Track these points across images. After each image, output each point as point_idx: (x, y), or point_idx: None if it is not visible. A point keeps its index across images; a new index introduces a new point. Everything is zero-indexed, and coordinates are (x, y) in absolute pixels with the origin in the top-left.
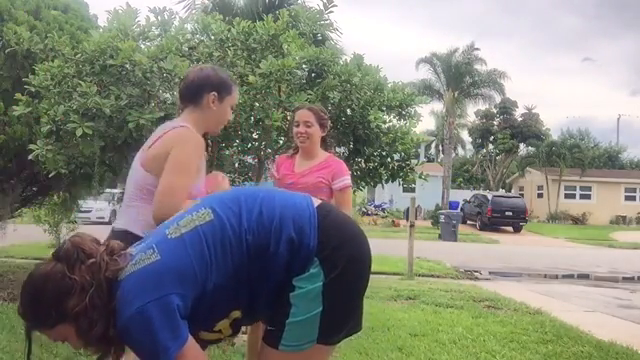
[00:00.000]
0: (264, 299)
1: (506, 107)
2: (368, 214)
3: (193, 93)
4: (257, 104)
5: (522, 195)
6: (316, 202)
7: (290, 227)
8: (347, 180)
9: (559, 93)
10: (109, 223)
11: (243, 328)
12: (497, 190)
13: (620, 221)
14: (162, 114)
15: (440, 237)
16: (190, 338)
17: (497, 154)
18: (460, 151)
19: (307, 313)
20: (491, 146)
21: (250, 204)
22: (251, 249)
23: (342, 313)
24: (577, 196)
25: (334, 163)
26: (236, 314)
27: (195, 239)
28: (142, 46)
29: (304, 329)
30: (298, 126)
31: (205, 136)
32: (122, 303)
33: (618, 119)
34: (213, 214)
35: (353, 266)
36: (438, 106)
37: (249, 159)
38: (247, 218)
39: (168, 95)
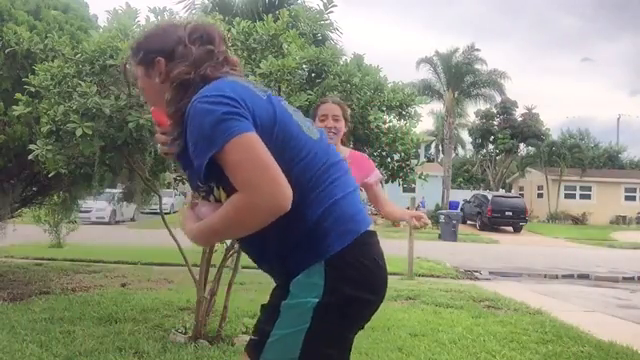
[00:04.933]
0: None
1: (506, 107)
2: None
3: None
4: None
5: (522, 195)
6: (372, 225)
7: (331, 215)
8: (378, 172)
9: (559, 93)
10: (109, 223)
11: (243, 328)
12: (497, 190)
13: (620, 221)
14: None
15: (440, 237)
16: (253, 134)
17: (497, 154)
18: (460, 151)
19: (292, 327)
20: (491, 146)
21: (336, 162)
22: (293, 180)
23: (327, 340)
24: (577, 196)
25: (360, 159)
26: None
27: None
28: None
29: (286, 344)
30: (324, 120)
31: None
32: (207, 88)
33: (618, 119)
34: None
35: (358, 306)
36: (438, 106)
37: None
38: (324, 162)
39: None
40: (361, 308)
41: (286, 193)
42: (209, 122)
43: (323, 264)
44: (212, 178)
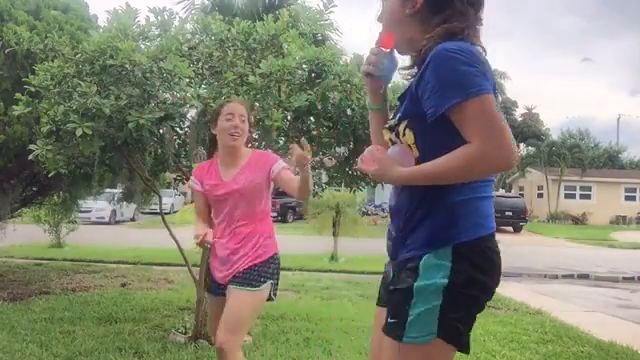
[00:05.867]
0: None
1: (506, 107)
2: (368, 214)
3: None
4: (257, 104)
5: (522, 195)
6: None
7: (469, 207)
8: (281, 162)
9: (559, 93)
10: (109, 223)
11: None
12: (497, 190)
13: (620, 221)
14: (162, 114)
15: None
16: (493, 96)
17: None
18: None
19: (426, 305)
20: None
21: None
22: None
23: (458, 315)
24: (577, 196)
25: (260, 156)
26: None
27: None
28: (142, 46)
29: (424, 321)
30: (230, 120)
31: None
32: (457, 44)
33: (618, 119)
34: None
35: (480, 289)
36: None
37: None
38: None
39: (168, 95)
40: (483, 292)
41: (516, 153)
42: (462, 72)
43: (451, 248)
44: (419, 120)
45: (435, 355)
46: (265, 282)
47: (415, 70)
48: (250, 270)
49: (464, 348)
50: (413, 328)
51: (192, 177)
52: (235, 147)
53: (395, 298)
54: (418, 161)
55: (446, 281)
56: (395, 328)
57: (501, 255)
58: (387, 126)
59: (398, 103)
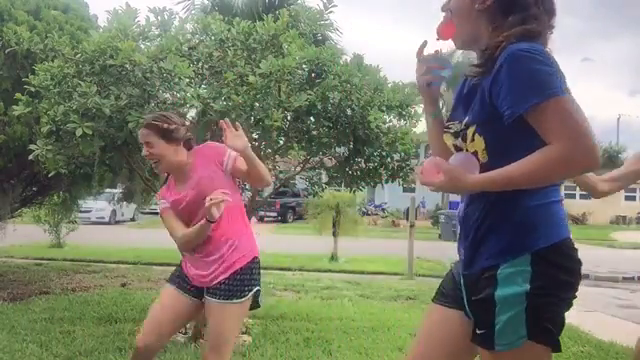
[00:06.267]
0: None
1: None
2: (368, 214)
3: None
4: (257, 104)
5: None
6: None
7: (544, 213)
8: (231, 152)
9: None
10: (109, 223)
11: (244, 328)
12: None
13: (620, 221)
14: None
15: (440, 237)
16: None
17: None
18: None
19: (512, 311)
20: None
21: None
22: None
23: (548, 315)
24: (577, 196)
25: (206, 151)
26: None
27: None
28: (142, 46)
29: (513, 326)
30: (144, 148)
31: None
32: (531, 44)
33: (618, 119)
34: None
35: (565, 289)
36: None
37: None
38: None
39: (168, 95)
40: (566, 290)
41: (599, 154)
42: (539, 72)
43: (530, 255)
44: (491, 124)
45: (530, 357)
46: (251, 290)
47: (480, 70)
48: (231, 280)
49: (557, 348)
50: (503, 336)
51: (160, 200)
52: (164, 171)
53: (478, 309)
54: (485, 167)
55: (528, 286)
56: (485, 339)
57: (580, 263)
58: (451, 132)
59: (454, 103)
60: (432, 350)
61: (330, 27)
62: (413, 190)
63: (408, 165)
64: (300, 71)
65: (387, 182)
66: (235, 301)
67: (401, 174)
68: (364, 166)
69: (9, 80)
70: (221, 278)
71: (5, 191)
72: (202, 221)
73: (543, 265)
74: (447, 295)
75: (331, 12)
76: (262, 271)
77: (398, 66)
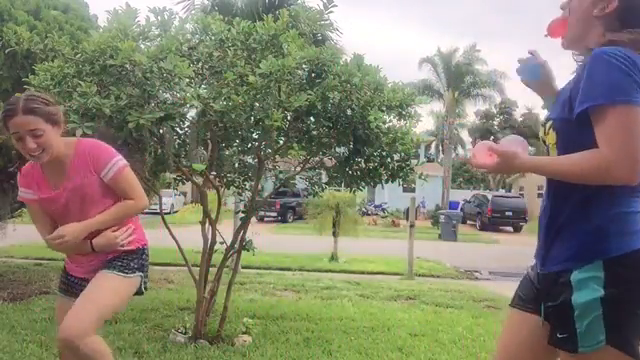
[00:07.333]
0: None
1: (506, 107)
2: (368, 214)
3: None
4: (257, 104)
5: (522, 195)
6: None
7: (618, 222)
8: (118, 161)
9: None
10: None
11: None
12: (497, 190)
13: None
14: (162, 114)
15: (440, 237)
16: None
17: None
18: (460, 151)
19: (590, 316)
20: None
21: None
22: None
23: (623, 321)
24: None
25: (88, 149)
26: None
27: None
28: (142, 46)
29: (593, 330)
30: (21, 140)
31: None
32: (621, 50)
33: None
34: None
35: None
36: (438, 106)
37: (249, 159)
38: None
39: (168, 95)
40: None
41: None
42: (614, 77)
43: (602, 262)
44: (564, 122)
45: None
46: (135, 273)
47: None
48: (120, 258)
49: (635, 355)
50: (585, 339)
51: (22, 189)
52: (47, 160)
53: (557, 314)
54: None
55: (602, 291)
56: (567, 342)
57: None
58: (541, 123)
59: (556, 98)
60: (515, 354)
61: (330, 27)
62: (413, 190)
63: (408, 165)
64: (300, 71)
65: (387, 182)
66: (120, 274)
67: (401, 174)
68: (364, 166)
69: (9, 80)
70: (110, 256)
71: (5, 191)
72: (86, 243)
73: (614, 273)
74: (524, 299)
75: (331, 12)
76: (263, 271)
77: (398, 66)
